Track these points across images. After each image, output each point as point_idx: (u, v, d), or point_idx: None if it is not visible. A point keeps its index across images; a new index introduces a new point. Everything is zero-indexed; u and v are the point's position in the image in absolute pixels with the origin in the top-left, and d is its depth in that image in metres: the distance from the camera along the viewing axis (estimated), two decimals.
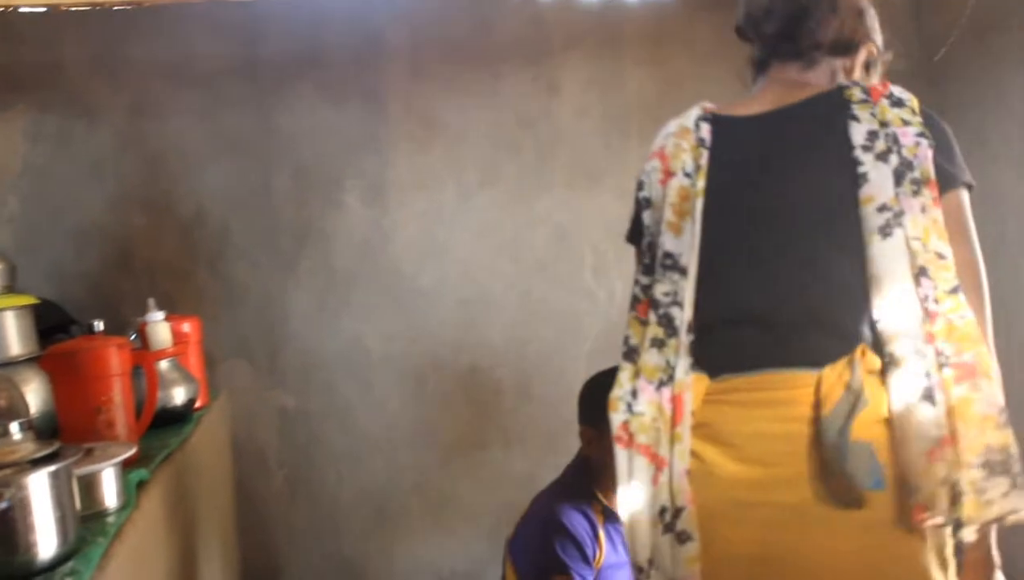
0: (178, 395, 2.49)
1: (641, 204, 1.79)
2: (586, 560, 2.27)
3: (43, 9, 3.22)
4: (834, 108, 1.69)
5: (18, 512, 1.30)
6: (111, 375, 2.00)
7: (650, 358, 1.59)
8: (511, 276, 3.67)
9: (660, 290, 1.63)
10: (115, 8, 3.26)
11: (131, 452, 1.75)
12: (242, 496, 3.43)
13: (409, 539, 3.69)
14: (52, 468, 1.36)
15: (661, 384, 1.57)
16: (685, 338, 1.59)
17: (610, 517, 2.38)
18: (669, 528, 1.51)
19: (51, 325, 2.70)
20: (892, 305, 1.49)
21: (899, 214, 1.53)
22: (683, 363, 1.57)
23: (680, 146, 1.75)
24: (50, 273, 3.36)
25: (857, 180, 1.58)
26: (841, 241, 1.56)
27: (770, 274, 1.60)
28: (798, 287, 1.57)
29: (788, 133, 1.72)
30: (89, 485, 1.60)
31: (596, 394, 2.44)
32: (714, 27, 3.71)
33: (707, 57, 3.70)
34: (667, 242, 1.66)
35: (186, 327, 2.79)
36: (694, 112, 1.83)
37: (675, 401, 1.54)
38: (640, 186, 1.80)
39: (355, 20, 3.55)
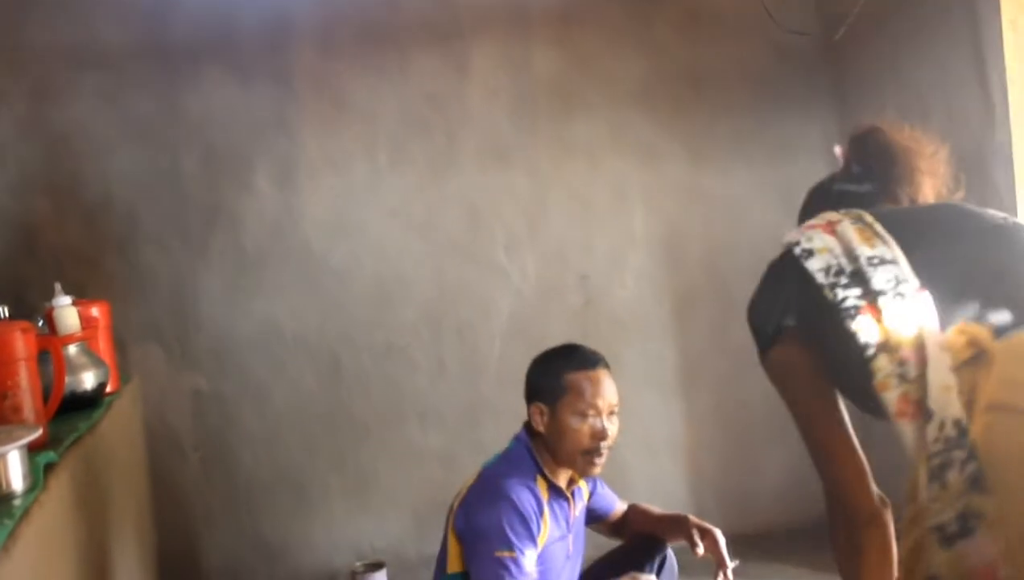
0: (87, 380, 2.47)
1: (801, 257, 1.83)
2: (531, 537, 2.30)
3: None
4: None
5: None
6: (16, 360, 1.98)
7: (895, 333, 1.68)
8: (424, 255, 3.70)
9: (880, 279, 1.72)
10: None
11: (36, 434, 1.74)
12: (157, 479, 3.41)
13: (328, 518, 3.71)
14: None
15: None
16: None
17: (555, 492, 2.42)
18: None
19: None
20: None
21: None
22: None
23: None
24: None
25: None
26: None
27: None
28: None
29: None
30: None
31: (552, 372, 2.47)
32: (623, 6, 3.77)
33: (616, 37, 3.76)
34: (862, 254, 1.76)
35: (94, 311, 2.76)
36: None
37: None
38: (804, 254, 1.83)
39: (264, 1, 3.53)
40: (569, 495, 2.46)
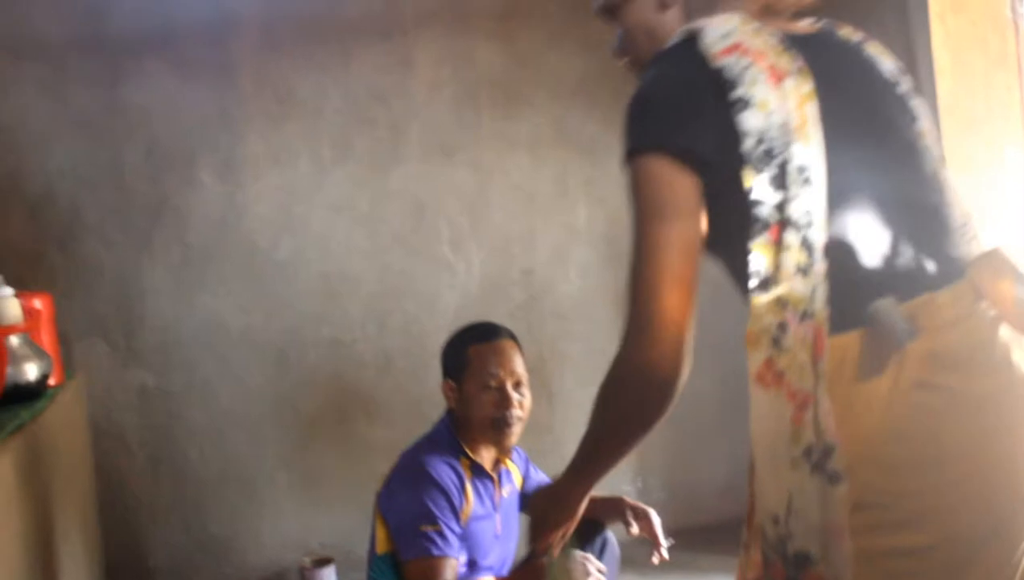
0: (30, 371, 2.45)
1: (737, 105, 1.44)
2: (454, 511, 2.33)
3: None
4: (855, 42, 1.66)
5: None
6: None
7: (796, 286, 1.41)
8: (369, 250, 3.71)
9: (798, 208, 1.42)
10: None
11: None
12: (103, 476, 3.38)
13: (276, 514, 3.71)
14: None
15: (805, 316, 1.41)
16: (822, 264, 1.42)
17: (477, 471, 2.46)
18: (818, 468, 1.39)
19: None
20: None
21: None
22: (822, 291, 1.41)
23: (768, 43, 1.49)
24: None
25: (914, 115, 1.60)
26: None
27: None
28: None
29: (842, 62, 1.61)
30: None
31: (457, 347, 2.53)
32: (562, 3, 3.81)
33: (557, 33, 3.80)
34: (798, 152, 1.43)
35: (37, 304, 2.74)
36: (737, 17, 1.53)
37: (817, 333, 1.39)
38: (731, 84, 1.45)
39: None
40: (494, 475, 2.50)
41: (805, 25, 1.63)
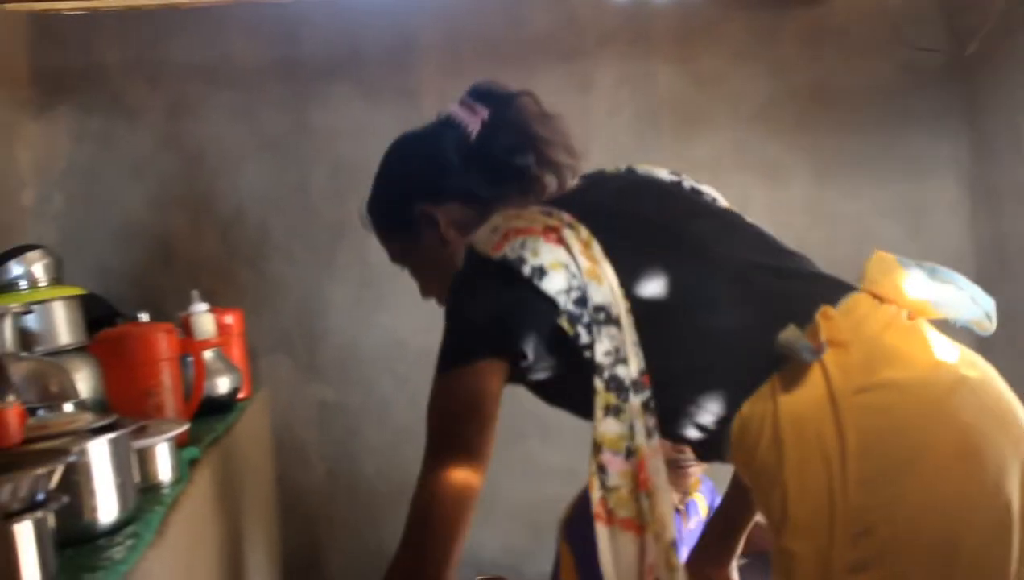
0: (222, 384, 2.54)
1: (534, 277, 1.50)
2: None
3: (84, 12, 3.30)
4: (623, 171, 1.88)
5: (80, 476, 1.35)
6: (160, 359, 2.05)
7: (609, 428, 1.48)
8: None
9: (600, 350, 1.47)
10: (153, 10, 3.34)
11: (184, 427, 1.80)
12: (284, 487, 3.47)
13: None
14: (112, 435, 1.41)
15: (629, 453, 1.48)
16: (637, 397, 1.47)
17: None
18: None
19: (96, 317, 2.75)
20: None
21: None
22: (640, 426, 1.47)
23: (532, 217, 1.58)
24: (93, 269, 3.41)
25: None
26: None
27: None
28: None
29: (613, 196, 1.80)
30: (145, 459, 1.65)
31: None
32: (744, 25, 3.74)
33: (740, 55, 3.73)
34: (594, 293, 1.49)
35: (229, 319, 2.83)
36: (497, 216, 1.65)
37: (639, 467, 1.48)
38: (517, 262, 1.51)
39: (390, 19, 3.60)
40: (681, 508, 2.45)
41: (568, 186, 1.77)
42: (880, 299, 1.49)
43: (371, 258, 3.61)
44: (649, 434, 1.47)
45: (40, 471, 1.10)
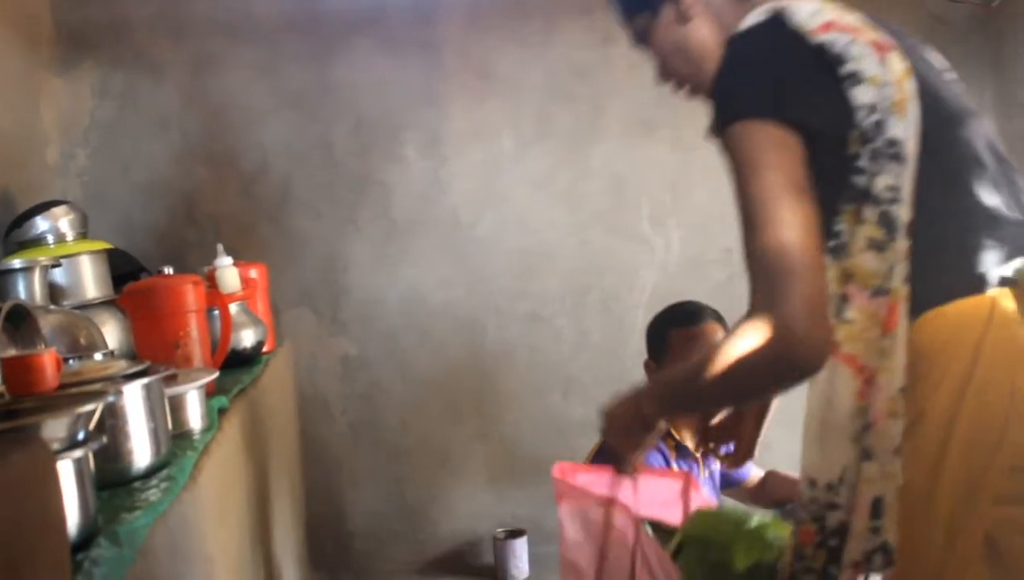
0: (247, 337, 2.56)
1: (848, 80, 1.43)
2: None
3: None
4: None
5: (117, 420, 1.37)
6: (188, 311, 2.07)
7: (866, 261, 1.40)
8: (568, 226, 3.71)
9: (881, 183, 1.40)
10: None
11: (214, 376, 1.83)
12: (307, 440, 3.51)
13: (470, 485, 3.77)
14: (145, 381, 1.43)
15: (878, 292, 1.40)
16: (904, 241, 1.40)
17: (682, 453, 2.44)
18: (868, 455, 1.40)
19: (122, 272, 2.78)
20: None
21: None
22: (901, 269, 1.40)
23: (860, 19, 1.47)
24: (118, 225, 3.44)
25: None
26: None
27: None
28: None
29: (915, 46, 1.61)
30: (176, 406, 1.68)
31: (659, 329, 2.50)
32: None
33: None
34: (894, 126, 1.41)
35: (253, 273, 2.85)
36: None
37: (891, 310, 1.39)
38: (837, 59, 1.43)
39: None
40: (699, 455, 2.47)
41: None
42: None
43: (393, 213, 3.64)
44: (906, 280, 1.41)
45: (82, 410, 1.12)
